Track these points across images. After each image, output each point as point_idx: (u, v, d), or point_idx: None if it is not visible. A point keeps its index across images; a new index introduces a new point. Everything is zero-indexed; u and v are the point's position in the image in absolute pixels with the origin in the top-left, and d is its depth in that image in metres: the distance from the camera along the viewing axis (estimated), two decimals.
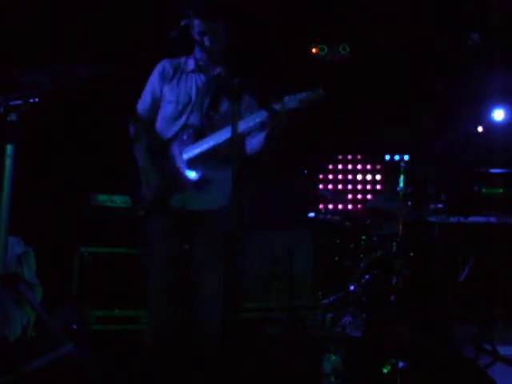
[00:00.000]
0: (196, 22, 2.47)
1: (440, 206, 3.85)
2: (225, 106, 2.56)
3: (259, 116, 2.36)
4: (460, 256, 4.20)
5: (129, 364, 3.28)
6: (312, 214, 4.82)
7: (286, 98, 2.30)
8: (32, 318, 3.79)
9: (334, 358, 3.08)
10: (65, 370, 3.00)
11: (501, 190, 2.06)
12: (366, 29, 5.58)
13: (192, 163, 2.48)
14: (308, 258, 4.75)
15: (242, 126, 2.35)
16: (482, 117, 5.97)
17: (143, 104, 2.64)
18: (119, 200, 4.33)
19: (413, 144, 5.11)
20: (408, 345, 3.29)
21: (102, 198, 4.34)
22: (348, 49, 5.76)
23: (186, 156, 2.48)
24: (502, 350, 3.59)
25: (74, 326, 3.97)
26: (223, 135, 2.40)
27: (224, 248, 2.41)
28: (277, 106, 2.29)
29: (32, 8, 4.38)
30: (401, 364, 3.04)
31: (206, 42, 2.49)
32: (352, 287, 4.01)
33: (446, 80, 5.69)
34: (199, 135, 2.48)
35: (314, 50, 5.80)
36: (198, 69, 2.60)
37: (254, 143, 2.53)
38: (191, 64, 2.62)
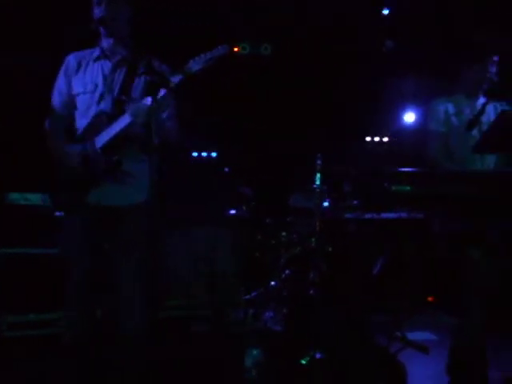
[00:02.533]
0: (96, 9, 2.44)
1: (355, 202, 4.02)
2: (137, 90, 2.51)
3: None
4: (374, 250, 4.41)
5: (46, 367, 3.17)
6: (233, 211, 4.85)
7: (191, 61, 2.29)
8: None
9: (255, 352, 3.14)
10: None
11: (408, 188, 2.19)
12: (289, 30, 5.70)
13: (107, 152, 2.41)
14: (229, 255, 4.79)
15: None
16: (395, 119, 6.33)
17: (54, 102, 2.58)
18: (34, 198, 4.12)
19: (329, 143, 5.30)
20: (326, 336, 3.41)
21: (14, 196, 4.12)
22: (269, 49, 5.85)
23: (98, 144, 2.42)
24: (410, 336, 3.86)
25: None
26: (127, 118, 2.36)
27: (144, 246, 2.37)
28: (183, 71, 2.27)
29: None
30: (318, 355, 3.15)
31: (108, 29, 2.46)
32: (273, 283, 4.09)
33: (362, 83, 5.95)
34: (112, 122, 2.43)
35: (235, 49, 5.85)
36: (103, 55, 2.55)
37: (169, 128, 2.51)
38: (96, 52, 2.57)
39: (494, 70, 2.88)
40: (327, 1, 5.24)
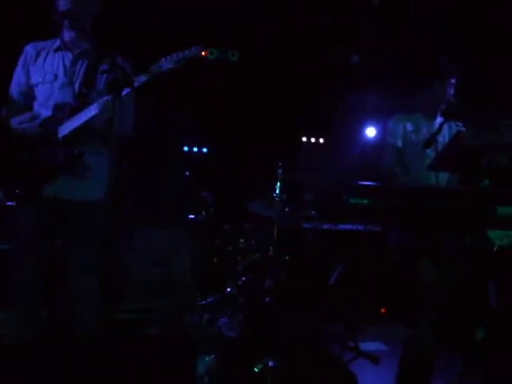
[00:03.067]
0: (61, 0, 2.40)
1: (314, 213, 4.07)
2: (100, 83, 2.49)
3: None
4: (331, 260, 4.47)
5: None
6: (192, 216, 4.82)
7: (163, 60, 2.28)
8: None
9: (208, 359, 3.12)
10: None
11: (366, 201, 2.24)
12: (257, 38, 5.74)
13: (69, 143, 2.37)
14: (187, 259, 4.73)
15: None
16: (357, 133, 6.45)
17: (12, 91, 2.53)
18: None
19: (291, 154, 5.36)
20: (280, 344, 3.42)
21: None
22: (236, 56, 5.88)
23: (60, 134, 2.37)
24: (363, 346, 3.93)
25: None
26: (92, 110, 2.32)
27: (99, 243, 2.30)
28: (154, 68, 2.26)
29: None
30: (271, 363, 3.16)
31: (73, 22, 2.42)
32: (229, 289, 4.08)
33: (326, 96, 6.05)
34: (75, 114, 2.39)
35: (203, 53, 5.84)
36: (64, 47, 2.52)
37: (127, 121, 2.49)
38: (57, 43, 2.53)
39: (451, 91, 2.98)
40: (296, 12, 5.31)
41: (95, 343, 2.25)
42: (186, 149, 6.28)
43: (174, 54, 2.27)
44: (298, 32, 5.54)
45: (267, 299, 3.62)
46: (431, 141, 2.75)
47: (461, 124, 3.05)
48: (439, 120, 3.04)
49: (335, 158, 6.24)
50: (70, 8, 2.39)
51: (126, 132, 2.47)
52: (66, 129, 2.37)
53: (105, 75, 2.48)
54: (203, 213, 4.77)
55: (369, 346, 4.25)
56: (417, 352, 2.79)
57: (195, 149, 6.36)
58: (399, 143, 3.05)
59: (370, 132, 6.49)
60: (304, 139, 6.70)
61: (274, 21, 5.39)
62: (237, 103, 6.04)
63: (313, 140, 6.73)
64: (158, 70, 2.25)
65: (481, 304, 2.83)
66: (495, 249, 2.47)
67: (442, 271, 2.70)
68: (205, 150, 6.39)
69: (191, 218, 4.84)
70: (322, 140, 6.76)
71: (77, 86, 2.46)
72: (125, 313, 4.39)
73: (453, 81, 2.99)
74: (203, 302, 4.35)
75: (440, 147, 2.82)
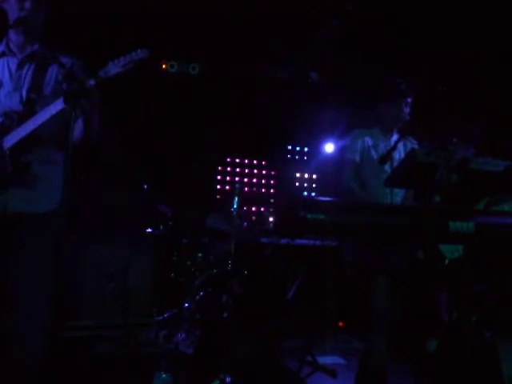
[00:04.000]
0: (16, 3, 2.32)
1: (272, 227, 4.09)
2: (48, 87, 2.40)
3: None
4: (289, 275, 4.49)
5: None
6: (150, 230, 4.74)
7: (110, 64, 2.23)
8: None
9: (164, 376, 3.06)
10: None
11: (323, 216, 2.26)
12: (219, 53, 5.77)
13: (16, 153, 2.27)
14: (144, 274, 4.62)
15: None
16: (315, 148, 6.54)
17: None
18: None
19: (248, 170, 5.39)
20: (237, 360, 3.40)
21: None
22: (197, 69, 5.89)
23: (7, 145, 2.26)
24: (321, 360, 3.94)
25: None
26: (42, 117, 2.24)
27: (49, 258, 2.22)
28: (101, 73, 2.21)
29: None
30: (228, 379, 3.12)
31: (27, 28, 2.36)
32: (187, 304, 4.03)
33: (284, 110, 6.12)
34: (23, 121, 2.28)
35: (163, 66, 5.84)
36: (9, 51, 2.43)
37: (76, 128, 2.36)
38: (1, 48, 2.44)
39: (407, 110, 3.08)
40: (256, 27, 5.37)
41: (42, 363, 2.15)
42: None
43: (122, 58, 2.22)
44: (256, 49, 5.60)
45: (225, 314, 3.59)
46: (386, 157, 2.81)
47: (415, 141, 3.14)
48: (395, 137, 3.12)
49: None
50: (26, 15, 2.32)
51: (89, 140, 2.40)
52: (13, 138, 2.28)
53: (53, 79, 2.40)
54: (161, 227, 4.71)
55: (327, 359, 4.27)
56: (371, 365, 2.82)
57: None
58: (358, 158, 3.11)
59: (329, 147, 6.59)
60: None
61: (232, 34, 5.43)
62: (194, 117, 6.04)
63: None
64: (105, 74, 2.20)
65: (433, 317, 2.89)
66: (446, 262, 2.54)
67: (395, 285, 2.75)
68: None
69: (149, 232, 4.76)
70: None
71: (24, 91, 2.37)
72: (76, 330, 4.24)
73: (409, 100, 3.08)
74: (160, 318, 4.28)
75: (396, 163, 2.88)
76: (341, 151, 5.23)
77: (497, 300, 2.92)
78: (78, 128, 2.36)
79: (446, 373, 2.56)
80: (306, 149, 6.94)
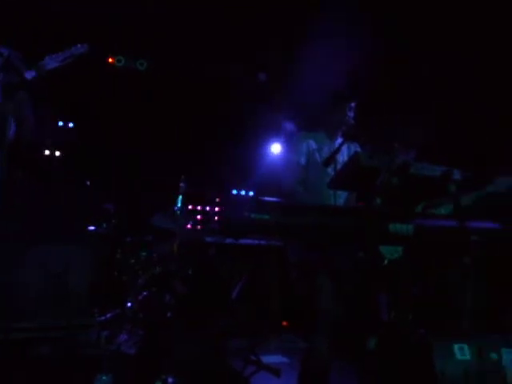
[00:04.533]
0: None
1: (216, 227, 4.08)
2: None
3: None
4: (234, 274, 4.49)
5: None
6: (92, 228, 4.62)
7: (47, 58, 2.17)
8: None
9: (104, 378, 2.99)
10: None
11: (267, 217, 2.28)
12: (168, 49, 5.70)
13: None
14: (85, 273, 4.48)
15: None
16: (263, 149, 6.57)
17: None
18: None
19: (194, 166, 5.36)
20: (180, 360, 3.37)
21: None
22: (145, 65, 5.79)
23: None
24: (265, 359, 3.97)
25: None
26: None
27: None
28: (39, 66, 2.14)
29: None
30: (170, 379, 3.10)
31: None
32: (129, 304, 3.96)
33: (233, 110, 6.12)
34: None
35: (110, 60, 5.71)
36: None
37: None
38: None
39: (351, 114, 3.15)
40: (208, 26, 5.35)
41: None
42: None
43: (60, 53, 2.16)
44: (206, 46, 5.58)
45: (168, 314, 3.55)
46: (330, 160, 2.86)
47: (358, 145, 3.22)
48: (339, 140, 3.18)
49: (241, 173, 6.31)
50: None
51: (22, 137, 2.31)
52: None
53: None
54: (104, 225, 4.59)
55: (271, 358, 4.30)
56: (312, 365, 2.86)
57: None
58: (303, 161, 3.15)
59: (275, 148, 6.64)
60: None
61: (185, 32, 5.39)
62: (140, 113, 5.94)
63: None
64: (42, 68, 2.13)
65: (373, 316, 2.97)
66: (385, 263, 2.62)
67: (337, 285, 2.80)
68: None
69: (92, 230, 4.63)
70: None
71: None
72: (14, 332, 4.06)
73: (352, 104, 3.16)
74: (102, 318, 4.17)
75: (339, 166, 2.94)
76: (286, 153, 5.29)
77: (431, 300, 3.04)
78: (25, 124, 2.28)
79: (386, 370, 2.64)
80: None
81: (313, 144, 3.18)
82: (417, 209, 2.68)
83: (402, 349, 2.56)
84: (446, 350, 2.29)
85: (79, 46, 2.17)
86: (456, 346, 2.31)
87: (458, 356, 2.29)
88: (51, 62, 2.13)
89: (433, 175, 2.34)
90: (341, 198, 3.08)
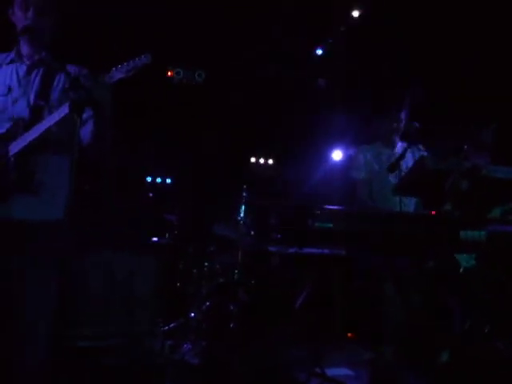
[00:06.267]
0: (20, 13, 2.33)
1: (279, 236, 4.04)
2: (55, 94, 2.39)
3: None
4: (297, 284, 4.43)
5: None
6: (156, 238, 4.72)
7: (113, 70, 2.21)
8: None
9: None
10: None
11: (330, 225, 2.23)
12: (224, 59, 5.77)
13: (21, 160, 2.25)
14: (149, 283, 4.58)
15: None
16: (324, 156, 6.50)
17: None
18: None
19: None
20: (244, 371, 3.35)
21: None
22: (203, 76, 5.89)
23: (13, 151, 2.24)
24: (329, 372, 3.86)
25: None
26: (46, 124, 2.22)
27: (54, 266, 2.19)
28: (106, 78, 2.19)
29: None
30: None
31: (32, 37, 2.36)
32: (193, 314, 3.98)
33: (294, 118, 6.10)
34: (29, 128, 2.26)
35: (169, 73, 5.85)
36: (18, 58, 2.43)
37: (85, 133, 2.36)
38: (11, 55, 2.45)
39: (403, 117, 3.13)
40: (264, 37, 5.38)
41: (46, 375, 2.11)
42: (148, 179, 6.19)
43: (125, 64, 2.21)
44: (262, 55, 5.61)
45: (232, 325, 3.54)
46: (395, 165, 2.79)
47: (423, 149, 3.12)
48: (401, 145, 3.12)
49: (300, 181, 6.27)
50: (30, 24, 2.32)
51: (98, 152, 2.38)
52: (18, 145, 2.26)
53: (60, 85, 2.39)
54: (167, 235, 4.67)
55: (334, 371, 4.19)
56: (381, 377, 2.77)
57: (158, 179, 6.29)
58: (363, 174, 3.19)
59: (337, 155, 6.54)
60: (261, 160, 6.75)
61: (238, 42, 5.44)
62: (204, 125, 6.03)
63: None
64: (109, 80, 2.18)
65: (445, 328, 2.83)
66: (461, 271, 2.49)
67: (405, 295, 2.70)
68: (168, 180, 6.32)
69: (154, 241, 4.72)
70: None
71: (32, 96, 2.36)
72: (81, 340, 4.19)
73: (406, 108, 3.14)
74: (166, 328, 4.23)
75: (403, 172, 2.86)
76: (347, 165, 5.22)
77: (509, 310, 2.85)
78: (86, 134, 2.36)
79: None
80: None
81: (370, 155, 3.22)
82: (494, 214, 2.54)
83: (477, 362, 2.41)
84: None
85: (143, 56, 2.21)
86: None
87: None
88: (117, 74, 2.19)
89: (508, 178, 2.21)
90: (408, 205, 3.00)
